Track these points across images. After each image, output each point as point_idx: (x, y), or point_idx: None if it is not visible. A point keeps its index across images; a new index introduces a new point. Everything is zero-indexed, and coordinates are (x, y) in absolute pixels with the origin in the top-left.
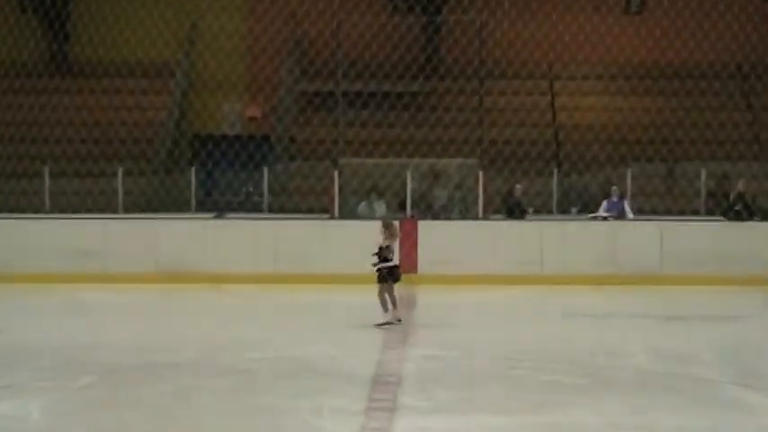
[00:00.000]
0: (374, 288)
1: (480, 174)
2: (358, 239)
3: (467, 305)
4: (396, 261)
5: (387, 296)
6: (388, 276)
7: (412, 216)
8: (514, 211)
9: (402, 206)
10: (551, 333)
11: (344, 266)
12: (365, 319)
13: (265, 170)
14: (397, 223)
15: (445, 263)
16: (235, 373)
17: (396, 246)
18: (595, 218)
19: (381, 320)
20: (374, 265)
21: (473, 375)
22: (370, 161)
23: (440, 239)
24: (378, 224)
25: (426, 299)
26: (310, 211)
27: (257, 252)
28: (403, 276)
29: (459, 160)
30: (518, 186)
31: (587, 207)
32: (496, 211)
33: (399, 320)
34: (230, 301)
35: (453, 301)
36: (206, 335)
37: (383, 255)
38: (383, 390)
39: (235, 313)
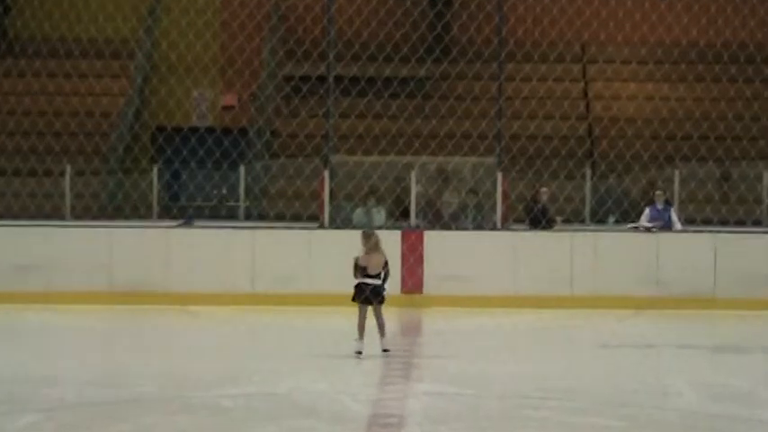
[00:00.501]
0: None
1: (499, 175)
2: (352, 253)
3: (482, 332)
4: (375, 281)
5: (361, 319)
6: (361, 295)
7: (417, 226)
8: (540, 219)
9: (405, 214)
10: (583, 366)
11: (336, 285)
12: (367, 348)
13: (242, 169)
14: (377, 235)
15: (456, 281)
16: (205, 412)
17: (375, 261)
18: (637, 229)
19: (356, 347)
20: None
21: (489, 417)
22: (367, 159)
23: (450, 253)
24: (359, 235)
25: (433, 324)
26: (296, 218)
27: (232, 268)
28: (407, 297)
29: (473, 159)
30: (544, 190)
31: (627, 216)
32: (518, 220)
33: (386, 350)
34: (199, 326)
35: (466, 327)
36: (171, 366)
37: (362, 269)
38: None
39: (205, 341)
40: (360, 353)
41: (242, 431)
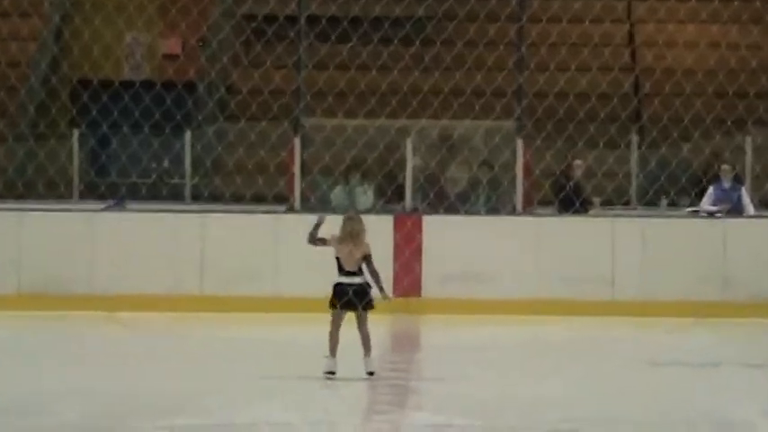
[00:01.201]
0: (353, 319)
1: (520, 144)
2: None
3: (496, 347)
4: (356, 279)
5: (334, 330)
6: (341, 298)
7: (414, 209)
8: (572, 201)
9: (399, 193)
10: (624, 390)
11: (310, 286)
12: (342, 366)
13: (188, 136)
14: (360, 221)
15: (464, 281)
16: None
17: (350, 253)
18: (697, 213)
19: (325, 367)
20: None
21: None
22: (350, 123)
23: (457, 245)
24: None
25: (434, 336)
26: (258, 199)
27: (175, 263)
28: (400, 302)
29: (487, 123)
30: (578, 163)
31: (685, 197)
32: (545, 202)
33: (371, 373)
34: (133, 339)
35: (476, 340)
36: (97, 389)
37: (336, 260)
38: None
39: (140, 357)
40: (331, 373)
41: None
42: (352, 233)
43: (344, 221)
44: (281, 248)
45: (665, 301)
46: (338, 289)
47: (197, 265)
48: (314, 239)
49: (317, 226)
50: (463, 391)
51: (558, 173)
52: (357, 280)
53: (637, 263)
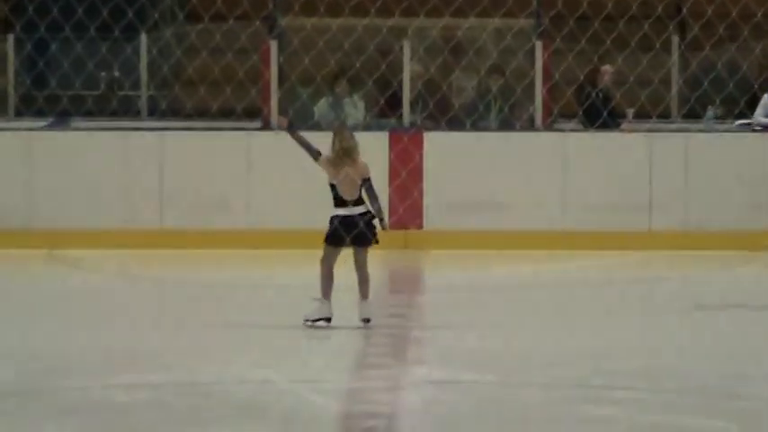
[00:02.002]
0: (347, 256)
1: (538, 45)
2: (314, 167)
3: (512, 288)
4: (357, 209)
5: (328, 269)
6: (338, 232)
7: (413, 124)
8: (599, 112)
9: (395, 105)
10: (667, 339)
11: (288, 217)
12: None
13: (143, 38)
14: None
15: (473, 210)
16: (88, 413)
17: (347, 176)
18: (749, 126)
19: (312, 313)
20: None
21: (525, 418)
22: (335, 21)
23: (463, 166)
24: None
25: (439, 276)
26: (226, 114)
27: (129, 191)
28: (397, 235)
29: (498, 20)
30: (606, 69)
31: (734, 107)
32: (567, 115)
33: (367, 321)
34: (79, 281)
35: (488, 279)
36: (38, 342)
37: (331, 188)
38: None
39: (89, 303)
40: (327, 320)
41: None
42: (345, 150)
43: (334, 136)
44: (254, 173)
45: (714, 232)
46: (338, 222)
47: (155, 194)
48: (310, 150)
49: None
50: (473, 341)
51: (583, 80)
52: (356, 210)
53: (678, 186)
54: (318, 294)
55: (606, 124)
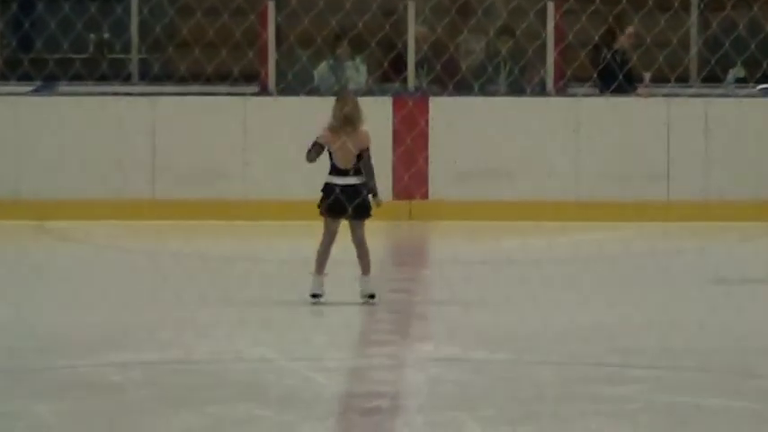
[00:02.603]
0: (342, 229)
1: (550, 5)
2: (312, 134)
3: (524, 261)
4: (351, 179)
5: (327, 243)
6: (329, 200)
7: (418, 88)
8: (615, 76)
9: (398, 68)
10: (686, 315)
11: (287, 187)
12: (331, 288)
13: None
14: (355, 101)
15: (482, 178)
16: (80, 392)
17: (344, 145)
18: None
19: (311, 288)
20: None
21: (538, 397)
22: None
23: (472, 133)
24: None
25: (445, 248)
26: (222, 78)
27: (121, 158)
28: (401, 205)
29: None
30: (630, 30)
31: (757, 70)
32: (581, 79)
33: (371, 297)
34: (68, 253)
35: (498, 252)
36: (26, 317)
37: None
38: (364, 428)
39: (79, 277)
40: (317, 296)
41: (139, 424)
42: (346, 118)
43: (337, 101)
44: (251, 140)
45: (736, 203)
46: (327, 190)
47: (146, 162)
48: (312, 154)
49: (314, 147)
50: (481, 317)
51: (598, 41)
52: (351, 180)
53: (698, 154)
54: (313, 269)
55: (623, 88)
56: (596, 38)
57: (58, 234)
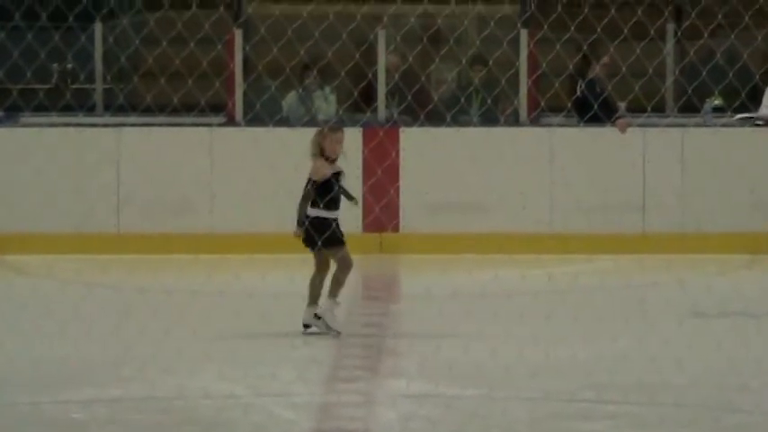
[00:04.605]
0: (309, 260)
1: (524, 34)
2: (280, 164)
3: (497, 294)
4: (328, 213)
5: (319, 276)
6: (314, 236)
7: (389, 119)
8: (591, 106)
9: (369, 98)
10: (662, 349)
11: (255, 220)
12: (300, 323)
13: (98, 27)
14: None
15: (454, 211)
16: (49, 429)
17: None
18: (751, 120)
19: (307, 321)
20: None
21: None
22: (305, 8)
23: (443, 164)
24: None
25: (417, 282)
26: (188, 108)
27: (83, 192)
28: (371, 238)
29: (479, 7)
30: (603, 61)
31: (735, 100)
32: (555, 109)
33: (337, 333)
34: (30, 288)
35: (470, 286)
36: None
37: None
38: None
39: (40, 312)
40: (306, 327)
41: None
42: (335, 143)
43: (332, 133)
44: (218, 172)
45: (712, 234)
46: (318, 224)
47: (110, 195)
48: (306, 204)
49: (311, 192)
50: (453, 351)
51: (573, 70)
52: (325, 214)
53: (675, 186)
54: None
55: (598, 119)
56: (571, 67)
57: (19, 268)
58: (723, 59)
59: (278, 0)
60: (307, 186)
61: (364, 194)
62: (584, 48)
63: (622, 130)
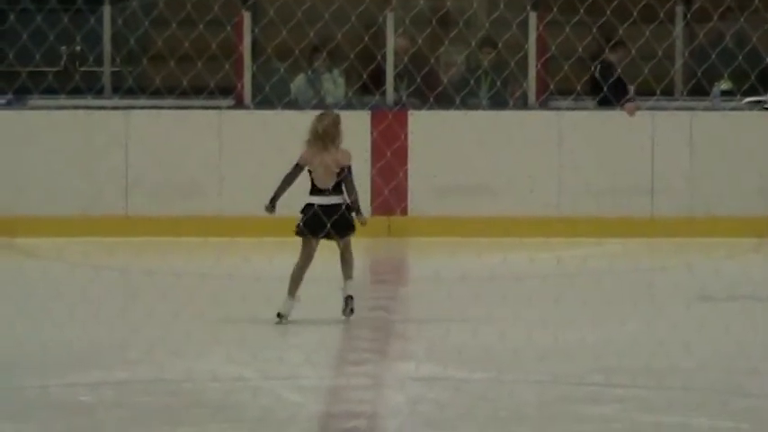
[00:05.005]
0: (328, 245)
1: (533, 16)
2: (290, 149)
3: (505, 278)
4: (332, 199)
5: (299, 264)
6: (309, 220)
7: (397, 102)
8: (601, 87)
9: (377, 81)
10: (671, 332)
11: (265, 202)
12: (307, 304)
13: (106, 9)
14: (333, 117)
15: (463, 194)
16: (51, 413)
17: (322, 162)
18: (758, 104)
19: (282, 308)
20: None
21: (519, 417)
22: None
23: (452, 147)
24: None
25: (425, 265)
26: (197, 91)
27: (93, 174)
28: (380, 221)
29: None
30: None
31: (744, 82)
32: (565, 92)
33: (351, 312)
34: (38, 271)
35: (479, 269)
36: None
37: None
38: None
39: (48, 295)
40: (281, 316)
41: None
42: (323, 136)
43: (316, 120)
44: (226, 154)
45: (721, 218)
46: (307, 210)
47: (119, 178)
48: (285, 184)
49: (292, 173)
50: (461, 335)
51: (581, 51)
52: (333, 199)
53: (683, 169)
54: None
55: (609, 101)
56: (580, 50)
57: (28, 251)
58: (732, 42)
59: None
60: (346, 173)
61: (373, 177)
62: (593, 30)
63: (631, 114)
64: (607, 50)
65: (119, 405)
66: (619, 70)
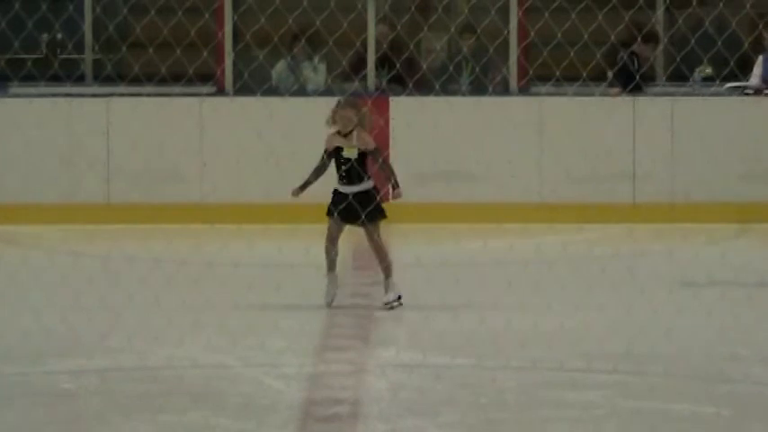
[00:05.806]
0: (310, 231)
1: (513, 1)
2: (272, 135)
3: (486, 264)
4: (359, 186)
5: (327, 243)
6: (348, 213)
7: (378, 88)
8: (631, 76)
9: (358, 68)
10: (652, 318)
11: (245, 189)
12: (289, 292)
13: None
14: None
15: (444, 181)
16: (28, 401)
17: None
18: (740, 90)
19: (325, 293)
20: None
21: (500, 403)
22: None
23: (433, 134)
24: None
25: (406, 251)
26: (177, 77)
27: (72, 163)
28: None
29: None
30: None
31: (723, 69)
32: (544, 77)
33: (397, 299)
34: (18, 259)
35: (459, 255)
36: None
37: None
38: None
39: (28, 283)
40: (330, 302)
41: (94, 429)
42: (343, 122)
43: (350, 108)
44: (207, 141)
45: (702, 204)
46: (338, 198)
47: (100, 165)
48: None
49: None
50: (443, 321)
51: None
52: (357, 187)
53: (664, 156)
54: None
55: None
56: (558, 35)
57: (8, 238)
58: (712, 28)
59: None
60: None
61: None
62: (573, 15)
63: (615, 96)
64: (639, 41)
65: (99, 392)
66: (638, 61)
